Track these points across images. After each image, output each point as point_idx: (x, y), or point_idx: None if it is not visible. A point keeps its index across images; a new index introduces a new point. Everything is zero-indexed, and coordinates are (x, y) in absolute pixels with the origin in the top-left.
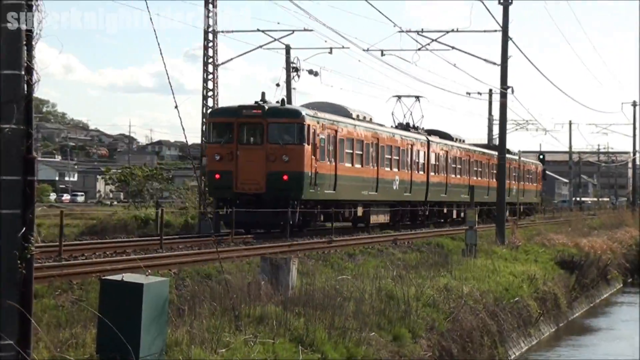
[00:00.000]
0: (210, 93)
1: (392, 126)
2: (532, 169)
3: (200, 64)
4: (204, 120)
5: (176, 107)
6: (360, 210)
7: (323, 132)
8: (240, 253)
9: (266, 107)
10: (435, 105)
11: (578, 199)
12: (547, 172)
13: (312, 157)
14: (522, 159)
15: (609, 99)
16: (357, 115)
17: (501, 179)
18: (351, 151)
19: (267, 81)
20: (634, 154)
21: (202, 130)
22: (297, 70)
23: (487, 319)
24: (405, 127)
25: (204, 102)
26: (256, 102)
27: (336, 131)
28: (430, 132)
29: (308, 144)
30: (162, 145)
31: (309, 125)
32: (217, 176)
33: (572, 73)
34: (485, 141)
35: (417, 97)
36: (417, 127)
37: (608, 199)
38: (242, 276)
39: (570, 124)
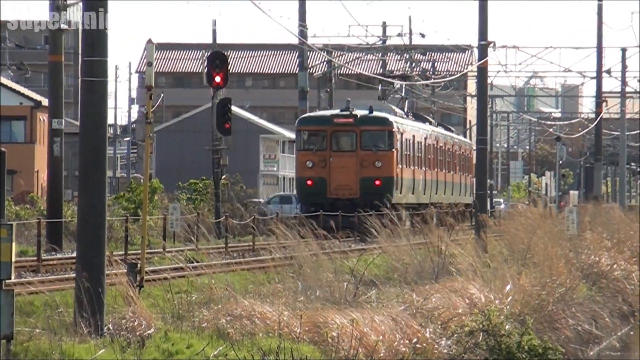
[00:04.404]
0: None
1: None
2: (467, 151)
3: None
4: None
5: None
6: None
7: (402, 135)
8: None
9: (358, 116)
10: None
11: None
12: None
13: (397, 161)
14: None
15: None
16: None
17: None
18: (412, 153)
19: None
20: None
21: None
22: None
23: None
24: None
25: None
26: (344, 110)
27: (402, 133)
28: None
29: (395, 149)
30: None
31: (395, 132)
32: (310, 182)
33: None
34: None
35: None
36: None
37: None
38: None
39: None
